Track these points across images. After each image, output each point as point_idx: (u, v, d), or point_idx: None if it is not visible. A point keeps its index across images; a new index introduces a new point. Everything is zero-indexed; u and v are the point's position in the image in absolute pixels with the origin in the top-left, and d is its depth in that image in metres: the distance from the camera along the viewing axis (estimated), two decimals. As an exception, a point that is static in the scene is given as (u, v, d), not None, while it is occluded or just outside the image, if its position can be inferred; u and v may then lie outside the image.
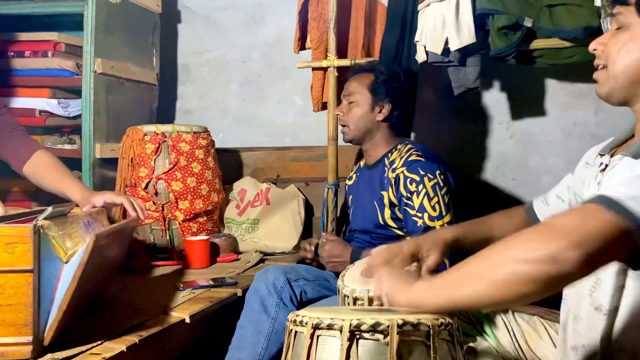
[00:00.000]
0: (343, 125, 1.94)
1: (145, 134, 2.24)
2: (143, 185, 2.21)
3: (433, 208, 1.71)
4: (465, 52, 2.02)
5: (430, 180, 1.73)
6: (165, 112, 2.94)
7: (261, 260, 2.20)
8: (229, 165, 2.61)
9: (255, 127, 2.90)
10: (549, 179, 2.49)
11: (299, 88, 2.80)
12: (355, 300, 1.28)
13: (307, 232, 2.47)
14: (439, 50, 1.98)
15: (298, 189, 2.57)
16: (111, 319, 1.47)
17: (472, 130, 2.58)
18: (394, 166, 1.81)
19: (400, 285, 0.99)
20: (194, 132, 2.31)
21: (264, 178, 2.67)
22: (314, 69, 2.32)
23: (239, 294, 1.76)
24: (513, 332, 1.35)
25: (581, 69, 2.33)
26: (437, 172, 1.75)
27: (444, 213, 1.71)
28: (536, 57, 2.10)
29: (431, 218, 1.70)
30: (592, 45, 1.13)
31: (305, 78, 2.72)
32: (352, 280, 1.34)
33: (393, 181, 1.79)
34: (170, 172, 2.21)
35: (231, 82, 2.94)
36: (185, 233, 2.24)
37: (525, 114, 2.51)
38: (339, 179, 2.38)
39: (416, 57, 2.10)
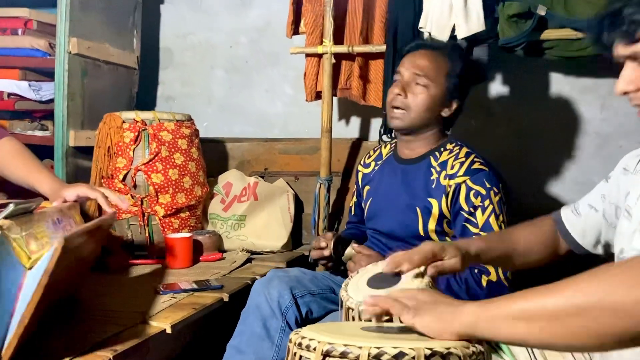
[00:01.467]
0: (396, 108, 1.60)
1: (124, 121, 2.06)
2: (120, 176, 2.04)
3: (499, 227, 1.48)
4: (472, 41, 1.88)
5: (495, 194, 1.50)
6: (145, 99, 2.76)
7: (248, 260, 2.05)
8: (213, 156, 2.44)
9: (242, 116, 2.73)
10: (551, 177, 2.38)
11: (289, 76, 2.64)
12: (361, 314, 1.14)
13: (296, 229, 2.32)
14: (445, 38, 1.84)
15: (287, 183, 2.41)
16: (82, 329, 1.31)
17: (470, 126, 2.45)
18: (451, 172, 1.55)
19: (443, 310, 0.85)
20: (177, 120, 2.14)
21: (251, 171, 2.51)
22: (307, 55, 2.17)
23: (226, 299, 1.61)
24: (532, 349, 1.23)
25: (587, 63, 2.23)
26: (501, 185, 1.52)
27: None
28: (546, 49, 1.96)
29: None
30: (622, 88, 1.01)
31: (297, 65, 2.56)
32: (356, 290, 1.20)
33: (450, 190, 1.53)
34: (150, 163, 2.04)
35: (216, 68, 2.77)
36: (165, 229, 2.07)
37: (527, 109, 2.38)
38: (332, 173, 2.24)
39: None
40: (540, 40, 1.93)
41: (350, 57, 2.12)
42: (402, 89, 1.61)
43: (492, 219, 1.49)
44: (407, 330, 0.93)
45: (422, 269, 1.14)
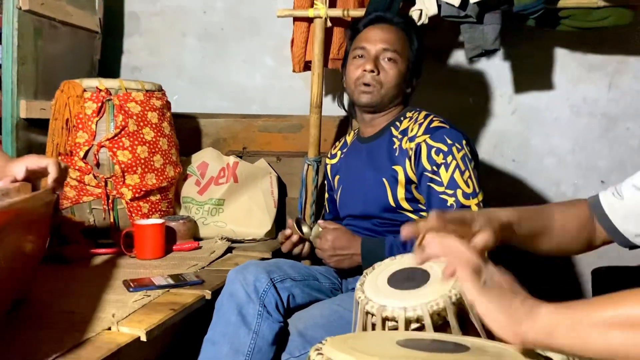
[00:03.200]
0: (367, 85, 1.52)
1: (85, 90, 1.79)
2: (81, 153, 1.77)
3: (466, 183, 1.38)
4: (484, 6, 1.69)
5: (459, 150, 1.41)
6: (108, 67, 2.47)
7: (228, 250, 1.82)
8: (185, 133, 2.18)
9: (217, 89, 2.48)
10: (553, 161, 2.22)
11: (270, 45, 2.40)
12: (384, 320, 0.94)
13: (280, 215, 2.09)
14: (456, 2, 1.63)
15: (268, 164, 2.18)
16: (37, 338, 1.07)
17: (468, 103, 2.27)
18: (411, 134, 1.47)
19: (517, 304, 0.69)
20: (147, 90, 1.87)
21: (228, 150, 2.27)
22: (296, 19, 1.93)
23: (208, 296, 1.39)
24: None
25: (596, 37, 2.07)
26: (464, 141, 1.43)
27: (477, 190, 1.39)
28: (562, 18, 1.79)
29: (465, 195, 1.37)
30: None
31: (279, 34, 2.33)
32: (376, 290, 0.99)
33: (412, 152, 1.45)
34: (116, 138, 1.78)
35: (188, 36, 2.50)
36: (133, 214, 1.82)
37: (530, 86, 2.21)
38: (321, 154, 2.02)
39: (422, 9, 1.74)
40: (556, 9, 1.75)
41: (343, 22, 1.90)
42: (374, 64, 1.52)
43: (457, 175, 1.40)
44: (446, 343, 0.75)
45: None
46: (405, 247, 1.34)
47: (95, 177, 1.77)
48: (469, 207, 1.36)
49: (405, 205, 1.47)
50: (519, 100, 2.22)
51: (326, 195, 1.80)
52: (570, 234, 1.10)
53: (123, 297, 1.32)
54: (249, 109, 2.43)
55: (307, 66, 1.99)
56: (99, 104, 1.78)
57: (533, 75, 2.20)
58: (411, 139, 1.46)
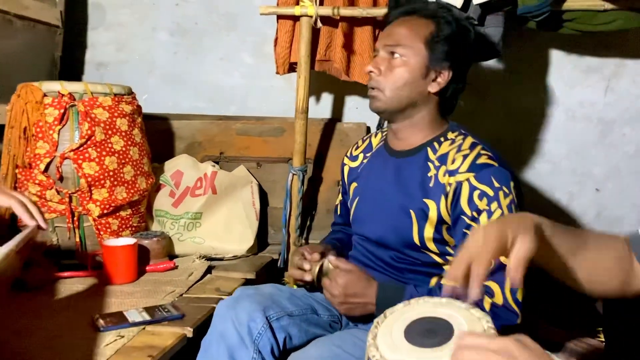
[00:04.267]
0: (373, 88, 1.32)
1: (45, 95, 1.60)
2: (42, 166, 1.59)
3: None
4: (487, 8, 1.56)
5: (506, 196, 1.19)
6: (70, 65, 2.27)
7: (208, 270, 1.66)
8: (156, 136, 1.99)
9: (191, 88, 2.30)
10: (547, 168, 2.13)
11: (249, 42, 2.23)
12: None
13: (261, 226, 1.94)
14: (458, 4, 1.50)
15: (248, 170, 2.03)
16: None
17: (459, 106, 2.14)
18: (451, 167, 1.25)
19: None
20: (115, 94, 1.69)
21: (204, 155, 2.10)
22: (280, 17, 1.77)
23: (189, 334, 1.24)
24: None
25: (593, 39, 1.97)
26: (512, 183, 1.22)
27: None
28: (565, 21, 1.68)
29: None
30: None
31: (259, 29, 2.17)
32: (392, 347, 0.86)
33: (451, 190, 1.23)
34: (81, 149, 1.60)
35: (159, 30, 2.31)
36: (101, 232, 1.65)
37: (524, 89, 2.10)
38: (307, 161, 1.87)
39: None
40: (560, 11, 1.64)
41: (332, 22, 1.75)
42: (376, 65, 1.32)
43: None
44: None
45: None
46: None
47: (58, 192, 1.59)
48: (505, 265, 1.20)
49: (431, 246, 1.28)
50: (512, 103, 2.11)
51: (339, 197, 1.59)
52: (605, 265, 0.94)
53: (92, 338, 1.16)
54: (227, 110, 2.26)
55: (292, 68, 1.84)
56: (62, 111, 1.59)
57: (528, 77, 2.09)
58: (451, 173, 1.24)
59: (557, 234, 0.89)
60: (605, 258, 0.95)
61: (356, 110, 2.20)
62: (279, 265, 1.87)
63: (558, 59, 2.07)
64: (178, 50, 2.31)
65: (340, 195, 1.59)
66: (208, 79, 2.28)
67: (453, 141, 1.31)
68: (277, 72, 1.84)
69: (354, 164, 1.50)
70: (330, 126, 2.09)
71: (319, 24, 1.64)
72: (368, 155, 1.48)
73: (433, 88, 1.31)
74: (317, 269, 1.28)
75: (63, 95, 1.60)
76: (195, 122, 2.16)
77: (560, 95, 2.09)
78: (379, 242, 1.36)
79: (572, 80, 2.08)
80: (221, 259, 1.77)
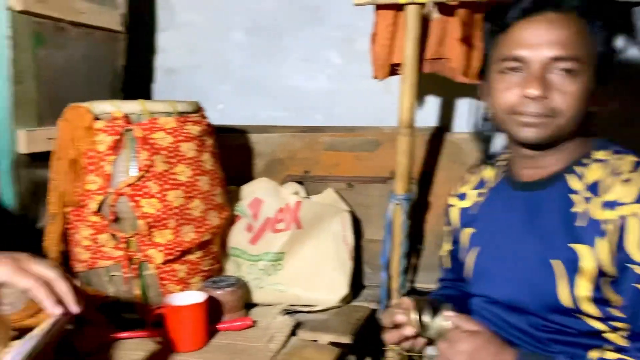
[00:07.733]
0: (537, 115, 0.97)
1: (98, 118, 1.33)
2: (94, 205, 1.32)
3: None
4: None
5: None
6: (136, 73, 2.01)
7: (292, 332, 1.34)
8: (231, 153, 1.68)
9: (270, 96, 1.99)
10: None
11: (336, 38, 1.88)
12: None
13: (356, 268, 1.59)
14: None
15: (337, 193, 1.68)
16: None
17: (609, 111, 1.69)
18: (609, 196, 0.94)
19: None
20: (180, 113, 1.39)
21: (285, 175, 1.78)
22: (379, 7, 1.40)
23: None
24: None
25: None
26: None
27: None
28: None
29: None
30: None
31: (348, 23, 1.82)
32: None
33: (613, 228, 0.93)
34: (139, 183, 1.32)
35: (234, 29, 2.00)
36: (166, 282, 1.37)
37: None
38: (411, 185, 1.50)
39: None
40: None
41: (446, 8, 1.35)
42: (541, 85, 0.96)
43: None
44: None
45: None
46: None
47: (113, 236, 1.32)
48: None
49: (588, 308, 0.95)
50: None
51: (446, 246, 1.28)
52: None
53: None
54: (312, 120, 1.93)
55: (393, 70, 1.46)
56: (116, 137, 1.31)
57: None
58: (610, 205, 0.93)
59: None
60: None
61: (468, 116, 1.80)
62: (378, 318, 1.51)
63: None
64: (255, 52, 1.99)
65: (447, 244, 1.27)
66: (288, 83, 1.96)
67: (605, 162, 0.99)
68: (375, 77, 1.47)
69: (466, 204, 1.20)
70: (437, 137, 1.70)
71: (435, 14, 1.25)
72: (483, 192, 1.17)
73: (593, 108, 1.00)
74: (414, 312, 0.99)
75: (116, 118, 1.32)
76: (275, 135, 1.85)
77: None
78: (511, 305, 1.04)
79: None
80: (308, 312, 1.44)
